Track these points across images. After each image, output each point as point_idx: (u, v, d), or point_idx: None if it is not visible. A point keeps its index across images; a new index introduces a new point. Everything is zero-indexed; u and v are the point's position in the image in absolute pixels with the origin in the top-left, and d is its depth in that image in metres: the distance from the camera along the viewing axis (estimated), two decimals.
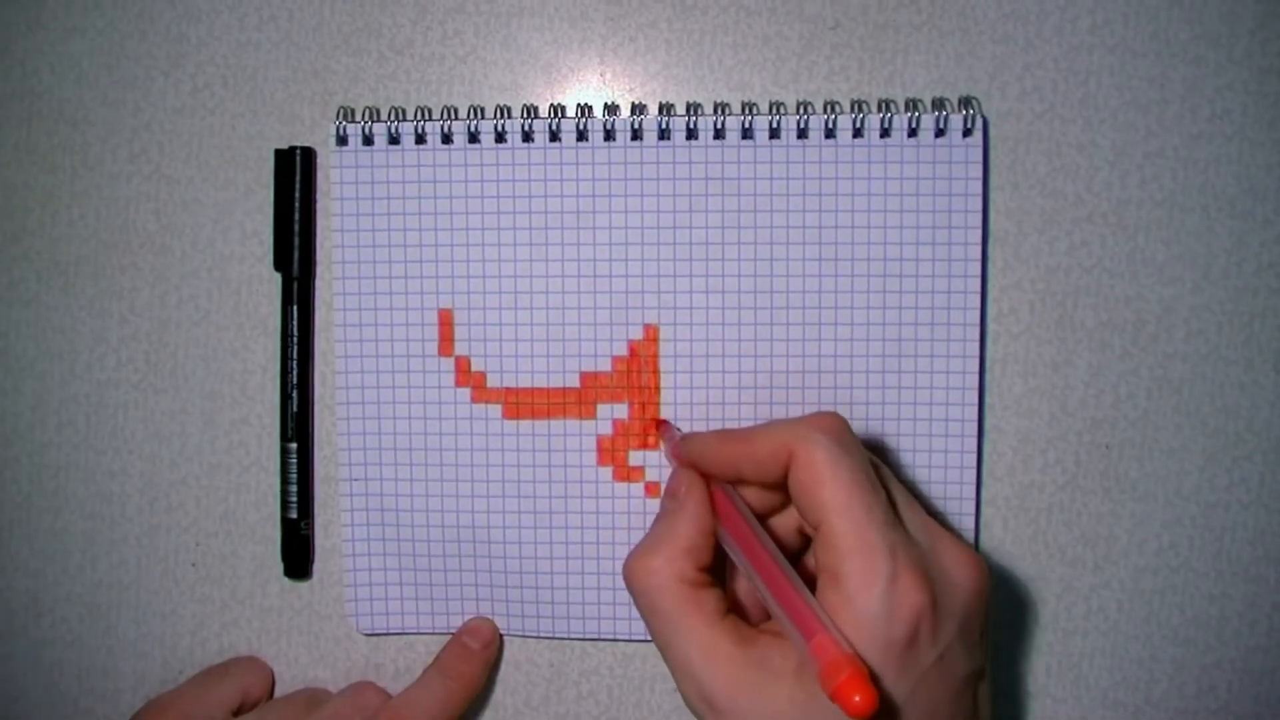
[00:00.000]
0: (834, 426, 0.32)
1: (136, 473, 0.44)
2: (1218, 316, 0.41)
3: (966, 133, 0.39)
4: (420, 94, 0.42)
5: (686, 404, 0.41)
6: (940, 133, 0.39)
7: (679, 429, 0.40)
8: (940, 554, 0.32)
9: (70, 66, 0.43)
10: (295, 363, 0.42)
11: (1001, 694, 0.42)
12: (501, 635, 0.42)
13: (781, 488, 0.33)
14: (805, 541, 0.36)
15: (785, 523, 0.35)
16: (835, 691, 0.27)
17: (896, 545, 0.30)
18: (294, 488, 0.42)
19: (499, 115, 0.40)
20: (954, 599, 0.31)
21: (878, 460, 0.34)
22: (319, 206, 0.42)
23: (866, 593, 0.30)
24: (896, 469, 0.40)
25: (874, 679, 0.28)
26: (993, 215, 0.41)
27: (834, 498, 0.31)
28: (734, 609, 0.34)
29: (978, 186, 0.39)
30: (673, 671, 0.33)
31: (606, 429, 0.41)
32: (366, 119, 0.41)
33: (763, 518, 0.35)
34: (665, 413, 0.41)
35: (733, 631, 0.32)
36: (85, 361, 0.43)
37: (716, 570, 0.35)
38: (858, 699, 0.27)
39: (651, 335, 0.41)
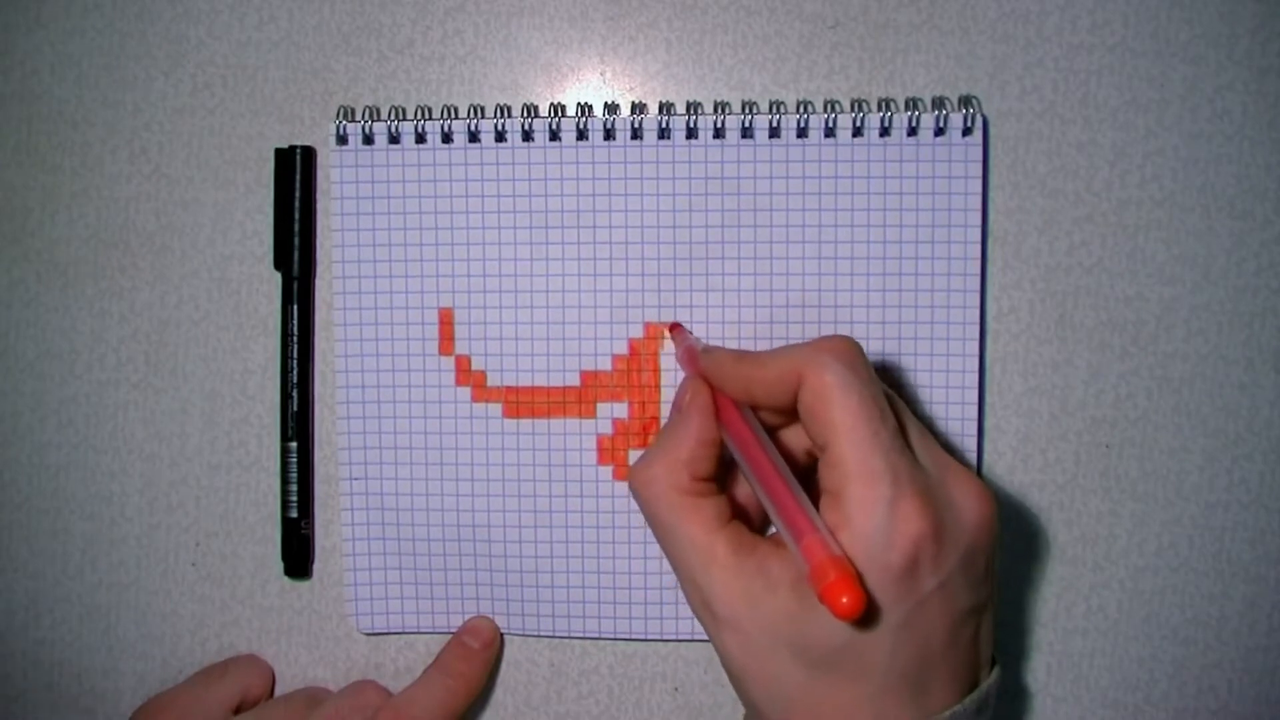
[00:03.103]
0: (846, 349, 0.32)
1: (136, 473, 0.44)
2: (1218, 316, 0.41)
3: (966, 132, 0.39)
4: (420, 93, 0.42)
5: None
6: (940, 132, 0.39)
7: (695, 336, 0.40)
8: (948, 485, 0.32)
9: (70, 66, 0.43)
10: (295, 362, 0.42)
11: (1002, 694, 0.42)
12: (502, 634, 0.42)
13: (792, 413, 0.33)
14: (813, 462, 0.35)
15: (795, 439, 0.35)
16: (823, 593, 0.27)
17: (900, 471, 0.30)
18: (294, 487, 0.42)
19: (499, 114, 0.40)
20: (959, 530, 0.31)
21: (891, 392, 0.34)
22: (319, 206, 0.42)
23: (865, 516, 0.29)
24: None
25: (862, 583, 0.28)
26: (993, 215, 0.41)
27: (841, 419, 0.30)
28: (739, 517, 0.34)
29: (977, 186, 0.39)
30: (678, 578, 0.33)
31: (607, 428, 0.41)
32: (366, 118, 0.41)
33: (772, 431, 0.35)
34: (665, 413, 0.41)
35: (733, 539, 0.32)
36: (85, 361, 0.43)
37: (725, 479, 0.35)
38: (845, 600, 0.27)
39: (652, 334, 0.41)
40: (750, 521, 0.36)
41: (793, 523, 0.30)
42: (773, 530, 0.35)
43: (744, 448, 0.33)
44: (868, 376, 0.32)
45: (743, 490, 0.36)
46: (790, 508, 0.30)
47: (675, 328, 0.40)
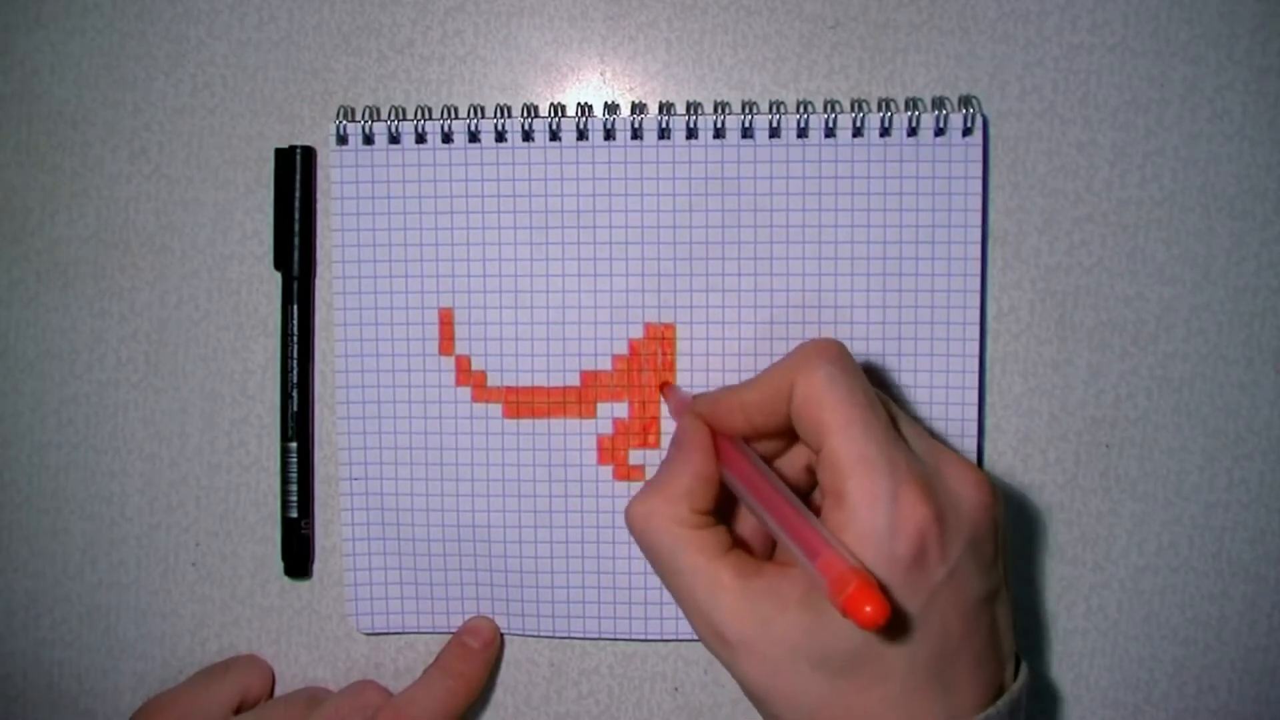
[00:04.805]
0: (831, 349, 0.33)
1: (136, 473, 0.44)
2: (1218, 316, 0.41)
3: (966, 132, 0.39)
4: (420, 93, 0.42)
5: None
6: (940, 132, 0.39)
7: (685, 390, 0.40)
8: (945, 473, 0.32)
9: (70, 66, 0.43)
10: (295, 362, 0.42)
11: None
12: (502, 634, 0.42)
13: (789, 433, 0.33)
14: (812, 481, 0.36)
15: (792, 462, 0.35)
16: (845, 604, 0.27)
17: (897, 461, 0.30)
18: (294, 487, 0.42)
19: (499, 114, 0.40)
20: (962, 516, 0.31)
21: (879, 391, 0.34)
22: (319, 206, 0.42)
23: (868, 510, 0.29)
24: None
25: (884, 590, 0.28)
26: (993, 215, 0.41)
27: (833, 418, 0.31)
28: (740, 547, 0.34)
29: (978, 186, 0.39)
30: (684, 612, 0.33)
31: (607, 428, 0.41)
32: (366, 118, 0.41)
33: (769, 460, 0.35)
34: (665, 412, 0.41)
35: (735, 565, 0.32)
36: (85, 361, 0.43)
37: (725, 517, 0.35)
38: (868, 609, 0.26)
39: (652, 334, 0.41)
40: (752, 553, 0.36)
41: (804, 541, 0.30)
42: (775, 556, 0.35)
43: (745, 479, 0.33)
44: (854, 373, 0.32)
45: (742, 525, 0.36)
46: (799, 527, 0.30)
47: (665, 385, 0.40)
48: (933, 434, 0.39)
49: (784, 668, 0.30)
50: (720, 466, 0.34)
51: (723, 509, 0.35)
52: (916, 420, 0.34)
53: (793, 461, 0.36)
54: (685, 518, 0.33)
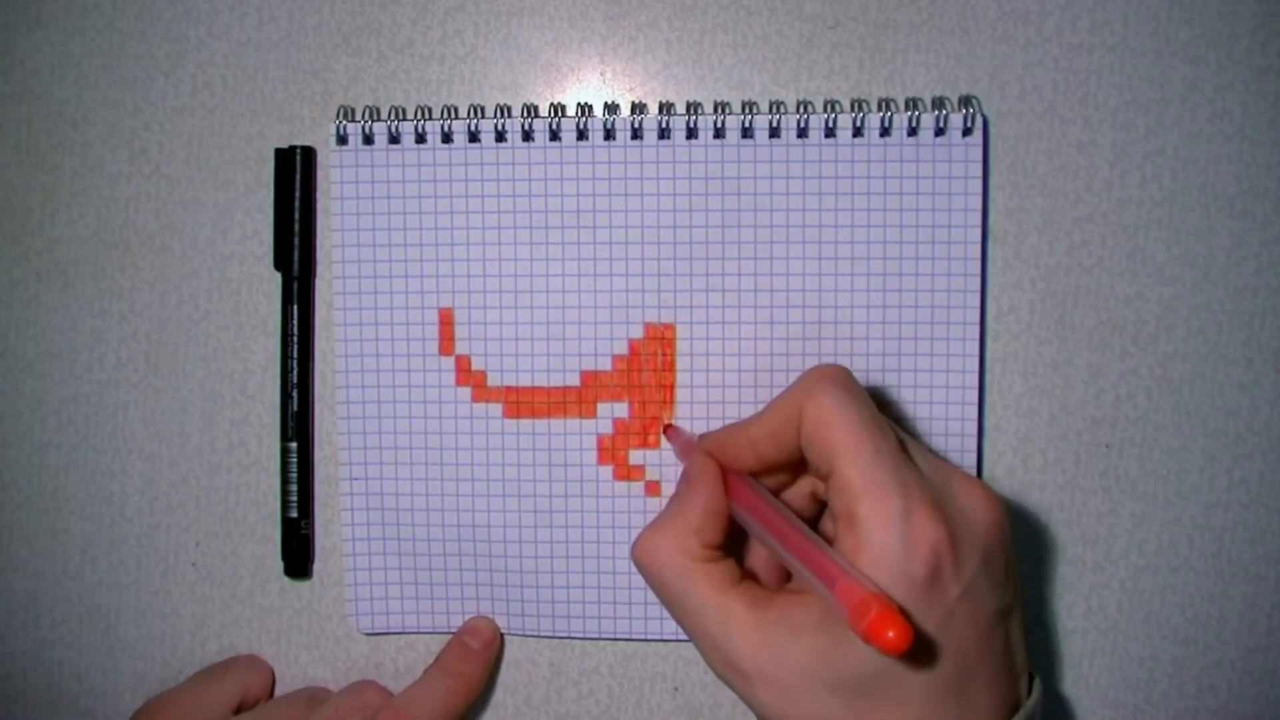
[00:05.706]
0: (837, 374, 0.33)
1: (136, 473, 0.44)
2: (1218, 316, 0.41)
3: (966, 132, 0.39)
4: (420, 93, 0.42)
5: (686, 402, 0.41)
6: (940, 132, 0.39)
7: (688, 430, 0.40)
8: (955, 492, 0.32)
9: (70, 66, 0.43)
10: (295, 362, 0.42)
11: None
12: (502, 634, 0.42)
13: (798, 463, 0.33)
14: (818, 509, 0.36)
15: (798, 491, 0.36)
16: (867, 630, 0.27)
17: (908, 482, 0.30)
18: (294, 487, 0.42)
19: (499, 114, 0.40)
20: (973, 534, 0.31)
21: (885, 417, 0.34)
22: (319, 206, 0.42)
23: (882, 531, 0.29)
24: None
25: (905, 615, 0.28)
26: (993, 215, 0.41)
27: (842, 439, 0.31)
28: (750, 579, 0.34)
29: (978, 186, 0.39)
30: (696, 645, 0.33)
31: (607, 428, 0.41)
32: (366, 118, 0.41)
33: (775, 492, 0.35)
34: (666, 411, 0.41)
35: (746, 596, 0.32)
36: (85, 361, 0.43)
37: (734, 552, 0.35)
38: (891, 634, 0.26)
39: (652, 334, 0.41)
40: (761, 584, 0.36)
41: (821, 569, 0.30)
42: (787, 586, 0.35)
43: (756, 512, 0.33)
44: (862, 397, 0.32)
45: (751, 559, 0.36)
46: (815, 556, 0.30)
47: (669, 428, 0.41)
48: (935, 452, 0.39)
49: (801, 694, 0.30)
50: (730, 501, 0.34)
51: (730, 544, 0.35)
52: (920, 442, 0.34)
53: (799, 492, 0.36)
54: (695, 551, 0.33)
